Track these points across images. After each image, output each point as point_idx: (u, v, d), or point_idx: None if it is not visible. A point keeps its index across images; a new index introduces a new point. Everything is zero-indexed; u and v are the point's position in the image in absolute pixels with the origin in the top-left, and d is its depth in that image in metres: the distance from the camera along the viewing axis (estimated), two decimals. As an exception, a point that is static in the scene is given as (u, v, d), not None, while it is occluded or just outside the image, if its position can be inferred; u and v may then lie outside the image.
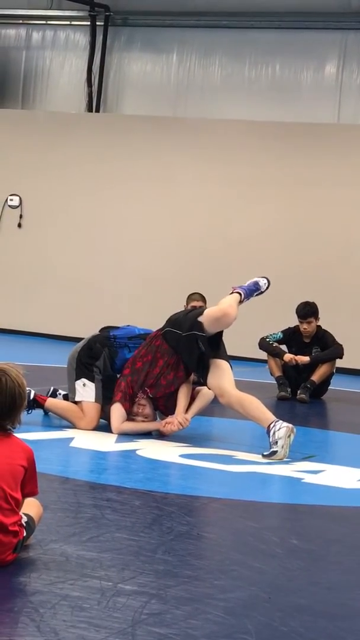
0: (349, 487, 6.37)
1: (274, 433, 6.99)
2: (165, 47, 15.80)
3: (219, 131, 14.95)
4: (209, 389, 7.61)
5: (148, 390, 7.62)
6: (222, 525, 5.19)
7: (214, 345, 7.51)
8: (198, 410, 7.81)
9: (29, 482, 4.20)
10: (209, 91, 15.52)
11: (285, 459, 6.96)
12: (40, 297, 15.57)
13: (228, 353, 7.65)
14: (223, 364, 7.48)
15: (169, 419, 7.62)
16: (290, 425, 7.03)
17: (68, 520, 4.87)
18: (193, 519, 5.23)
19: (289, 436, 6.96)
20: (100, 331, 8.06)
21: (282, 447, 6.94)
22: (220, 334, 7.62)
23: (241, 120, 14.98)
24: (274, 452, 6.94)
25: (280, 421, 7.07)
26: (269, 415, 7.17)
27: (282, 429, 6.97)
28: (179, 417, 7.55)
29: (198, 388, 7.79)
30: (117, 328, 8.02)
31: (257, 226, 14.61)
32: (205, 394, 7.76)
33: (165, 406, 7.75)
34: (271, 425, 7.05)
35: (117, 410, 7.52)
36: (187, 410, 7.68)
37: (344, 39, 14.88)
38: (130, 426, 7.62)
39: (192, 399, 7.79)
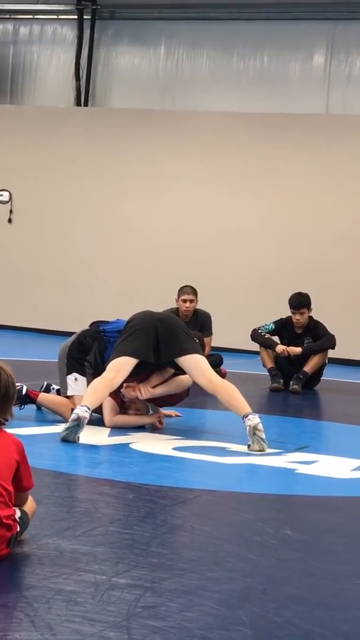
0: (342, 477, 6.37)
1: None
2: (152, 40, 15.78)
3: (208, 123, 14.94)
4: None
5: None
6: (215, 517, 5.19)
7: (169, 347, 7.42)
8: (166, 390, 7.66)
9: (24, 475, 4.19)
10: (197, 83, 15.50)
11: (278, 450, 6.98)
12: (30, 292, 15.56)
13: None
14: (188, 359, 7.40)
15: (132, 383, 7.55)
16: (251, 424, 6.94)
17: (61, 515, 4.87)
18: (186, 511, 5.23)
19: (254, 434, 6.92)
20: (90, 326, 8.05)
21: (254, 442, 6.92)
22: (176, 332, 7.52)
23: (230, 112, 14.97)
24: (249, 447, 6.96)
25: (248, 417, 7.01)
26: (240, 410, 7.11)
27: (246, 428, 6.94)
28: (142, 385, 7.50)
29: (180, 377, 7.72)
30: (107, 322, 8.01)
31: (247, 217, 14.61)
32: (180, 379, 7.68)
33: (158, 398, 7.74)
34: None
35: (108, 403, 7.53)
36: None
37: (332, 29, 14.88)
38: (124, 419, 7.63)
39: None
